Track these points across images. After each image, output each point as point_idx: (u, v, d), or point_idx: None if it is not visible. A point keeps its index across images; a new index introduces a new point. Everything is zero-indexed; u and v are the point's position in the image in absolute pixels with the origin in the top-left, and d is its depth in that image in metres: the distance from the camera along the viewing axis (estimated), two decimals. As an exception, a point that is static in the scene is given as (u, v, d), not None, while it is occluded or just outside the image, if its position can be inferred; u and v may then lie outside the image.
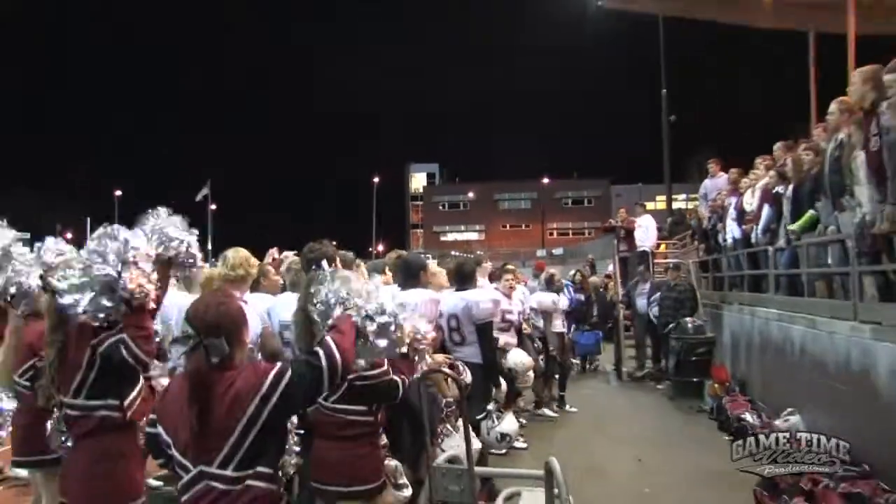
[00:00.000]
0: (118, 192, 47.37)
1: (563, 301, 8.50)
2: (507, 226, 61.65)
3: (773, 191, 7.28)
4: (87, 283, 2.50)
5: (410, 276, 4.35)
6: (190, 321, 2.00)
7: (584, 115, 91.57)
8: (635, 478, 5.59)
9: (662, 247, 13.91)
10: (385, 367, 2.79)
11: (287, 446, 2.33)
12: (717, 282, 10.26)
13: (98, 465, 2.54)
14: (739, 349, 8.42)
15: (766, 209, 7.46)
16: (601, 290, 12.51)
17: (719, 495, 5.03)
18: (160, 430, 2.06)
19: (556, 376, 8.27)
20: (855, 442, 5.01)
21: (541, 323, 7.96)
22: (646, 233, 12.63)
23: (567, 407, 8.34)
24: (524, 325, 7.06)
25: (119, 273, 2.52)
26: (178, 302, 3.57)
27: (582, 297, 10.63)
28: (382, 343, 2.53)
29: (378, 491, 2.89)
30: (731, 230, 8.70)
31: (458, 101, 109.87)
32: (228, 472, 1.90)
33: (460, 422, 3.74)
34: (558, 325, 8.28)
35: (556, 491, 3.08)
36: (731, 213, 8.71)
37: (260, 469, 1.93)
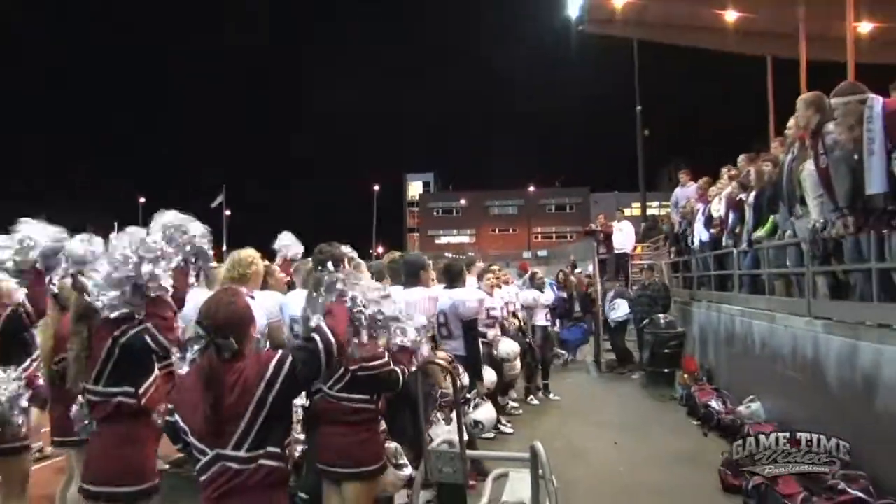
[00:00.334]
0: (142, 199, 47.12)
1: (546, 297, 8.53)
2: (496, 230, 61.58)
3: (737, 198, 7.36)
4: (112, 281, 2.52)
5: (412, 275, 4.36)
6: (201, 322, 2.03)
7: (566, 130, 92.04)
8: (612, 459, 5.61)
9: (638, 249, 13.97)
10: (386, 359, 2.81)
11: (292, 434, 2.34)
12: (686, 281, 10.30)
13: (114, 448, 2.55)
14: (707, 342, 8.45)
15: (731, 215, 7.53)
16: (583, 288, 12.55)
17: (688, 474, 5.05)
18: (178, 418, 2.08)
19: (539, 367, 8.29)
20: (807, 423, 5.08)
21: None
22: (626, 236, 12.67)
23: (551, 395, 8.36)
24: (513, 321, 7.10)
25: (138, 269, 2.55)
26: (197, 299, 3.58)
27: (564, 295, 10.69)
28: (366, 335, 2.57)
29: (379, 472, 2.90)
30: (700, 234, 8.73)
31: (452, 117, 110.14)
32: (242, 453, 1.92)
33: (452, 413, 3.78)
34: (540, 319, 8.31)
35: (540, 471, 3.10)
36: (700, 218, 8.77)
37: (270, 449, 1.95)
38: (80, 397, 2.68)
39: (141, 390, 2.59)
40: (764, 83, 11.14)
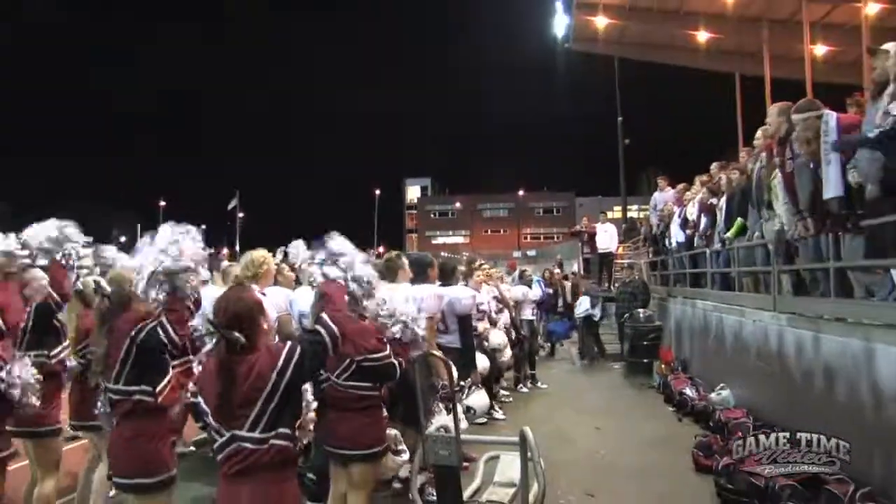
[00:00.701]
0: (162, 203, 46.98)
1: (533, 292, 8.56)
2: (489, 231, 61.55)
3: (709, 203, 7.42)
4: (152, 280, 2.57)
5: (420, 272, 4.38)
6: (211, 319, 2.07)
7: (553, 138, 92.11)
8: (594, 442, 5.63)
9: (619, 249, 14.03)
10: (388, 352, 2.85)
11: (303, 420, 2.37)
12: (663, 279, 10.35)
13: (133, 442, 2.58)
14: (682, 335, 8.50)
15: (703, 218, 7.59)
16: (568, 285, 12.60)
17: (664, 456, 5.08)
18: (200, 400, 2.12)
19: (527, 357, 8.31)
20: (770, 407, 5.15)
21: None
22: (610, 237, 12.71)
23: (538, 384, 8.40)
24: (499, 316, 7.11)
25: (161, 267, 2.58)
26: (212, 295, 3.61)
27: (550, 291, 10.73)
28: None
29: (383, 453, 2.94)
30: (676, 235, 8.79)
31: (448, 125, 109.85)
32: (256, 434, 1.96)
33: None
34: (528, 313, 8.31)
35: (529, 454, 3.13)
36: (676, 220, 8.82)
37: (280, 430, 1.99)
38: (102, 396, 2.70)
39: (158, 389, 2.61)
40: (733, 98, 11.27)
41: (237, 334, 2.01)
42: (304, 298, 3.68)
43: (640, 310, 9.38)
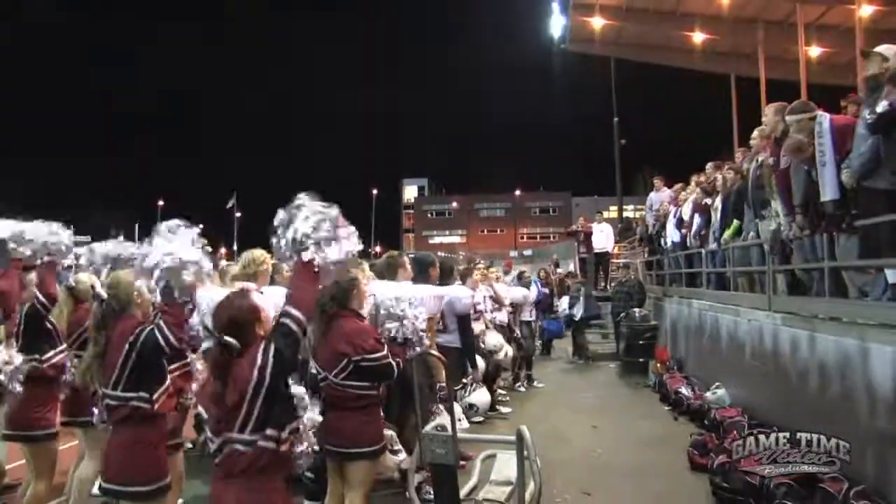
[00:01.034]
0: (161, 203, 46.86)
1: (533, 294, 8.56)
2: (485, 231, 61.57)
3: (703, 202, 7.44)
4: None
5: (421, 272, 4.39)
6: (208, 324, 2.08)
7: (550, 138, 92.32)
8: (591, 441, 5.63)
9: (616, 249, 14.07)
10: (385, 352, 2.85)
11: (303, 425, 2.35)
12: (659, 278, 10.36)
13: (129, 449, 2.57)
14: (678, 334, 8.51)
15: (696, 218, 7.61)
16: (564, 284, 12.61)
17: (659, 455, 5.09)
18: (201, 410, 2.12)
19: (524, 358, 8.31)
20: (765, 406, 5.16)
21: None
22: (606, 237, 12.73)
23: (535, 383, 8.40)
24: (495, 315, 7.10)
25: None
26: (209, 295, 3.61)
27: (546, 291, 10.72)
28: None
29: (380, 452, 2.94)
30: (672, 235, 8.81)
31: (446, 126, 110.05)
32: (246, 436, 1.98)
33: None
34: (526, 314, 8.31)
35: (525, 453, 3.13)
36: (672, 220, 8.84)
37: (268, 432, 2.00)
38: (99, 402, 2.69)
39: (155, 396, 2.60)
40: (728, 99, 11.33)
41: (233, 340, 2.02)
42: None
43: (636, 309, 9.41)
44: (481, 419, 6.07)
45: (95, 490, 3.74)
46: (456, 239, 60.43)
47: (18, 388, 2.94)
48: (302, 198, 2.24)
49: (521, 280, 8.54)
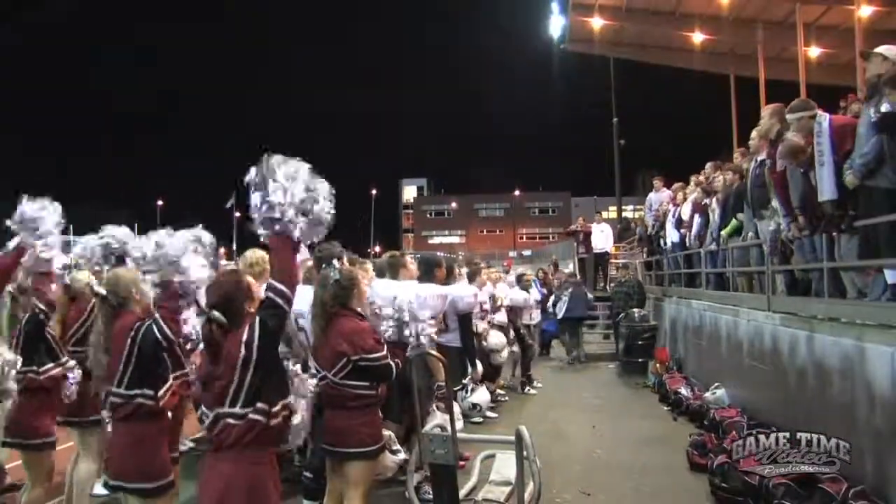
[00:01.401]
0: (160, 202, 46.85)
1: (534, 296, 8.50)
2: (484, 231, 61.56)
3: (703, 203, 7.44)
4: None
5: (426, 272, 4.41)
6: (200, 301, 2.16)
7: (549, 138, 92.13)
8: (590, 441, 5.63)
9: (614, 249, 14.08)
10: (384, 352, 2.85)
11: (301, 420, 2.36)
12: (658, 279, 10.37)
13: (133, 447, 2.58)
14: (677, 334, 8.52)
15: (696, 218, 7.62)
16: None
17: (659, 455, 5.09)
18: (199, 386, 2.19)
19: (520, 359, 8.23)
20: (764, 406, 5.17)
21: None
22: (605, 237, 12.73)
23: (535, 384, 8.38)
24: (495, 316, 7.10)
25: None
26: None
27: (545, 291, 10.71)
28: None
29: (379, 452, 2.94)
30: (671, 235, 8.81)
31: (445, 126, 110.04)
32: (237, 409, 2.05)
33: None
34: (527, 317, 8.21)
35: (525, 453, 3.14)
36: (671, 220, 8.84)
37: (259, 405, 2.07)
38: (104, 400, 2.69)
39: (160, 393, 2.62)
40: (728, 99, 11.34)
41: (220, 315, 2.08)
42: (300, 297, 3.66)
43: (636, 310, 9.42)
44: (480, 420, 6.07)
45: (96, 490, 3.75)
46: (455, 239, 60.41)
47: (12, 385, 2.92)
48: (274, 161, 2.15)
49: (521, 283, 8.47)
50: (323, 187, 2.18)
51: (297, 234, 2.10)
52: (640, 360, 8.75)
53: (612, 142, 18.70)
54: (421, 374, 3.72)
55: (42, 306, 3.28)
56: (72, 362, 3.39)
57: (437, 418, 3.82)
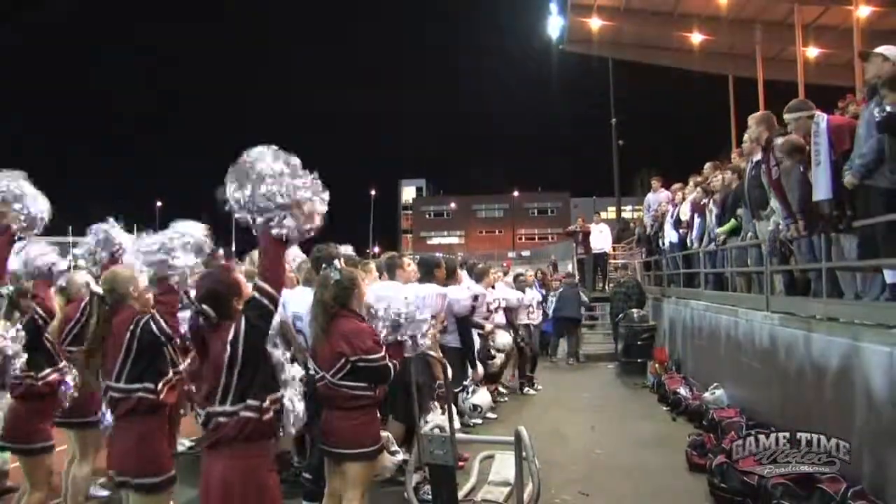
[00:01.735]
0: (159, 203, 46.79)
1: (528, 297, 8.45)
2: (483, 231, 61.55)
3: (702, 203, 7.45)
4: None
5: (426, 272, 4.42)
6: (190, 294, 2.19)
7: (548, 139, 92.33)
8: (590, 442, 5.63)
9: (613, 249, 14.08)
10: (383, 353, 2.85)
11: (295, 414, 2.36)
12: (657, 279, 10.38)
13: (138, 441, 2.58)
14: (676, 335, 8.52)
15: (696, 219, 7.62)
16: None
17: (658, 455, 5.10)
18: (192, 387, 2.19)
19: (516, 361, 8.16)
20: (763, 406, 5.17)
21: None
22: (604, 237, 12.74)
23: (535, 385, 8.34)
24: (495, 317, 7.08)
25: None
26: None
27: (543, 292, 10.70)
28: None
29: (377, 453, 2.93)
30: (669, 235, 8.81)
31: (443, 126, 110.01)
32: (227, 407, 2.08)
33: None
34: (524, 318, 8.12)
35: (524, 453, 3.14)
36: (670, 220, 8.85)
37: (250, 402, 2.10)
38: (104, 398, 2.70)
39: (159, 386, 2.63)
40: (726, 99, 11.37)
41: (209, 310, 2.10)
42: (297, 299, 3.66)
43: (635, 310, 9.42)
44: (480, 420, 6.08)
45: (93, 492, 3.74)
46: (454, 240, 60.39)
47: (17, 367, 2.89)
48: (257, 153, 2.10)
49: (518, 283, 8.44)
50: (309, 180, 2.13)
51: (287, 229, 2.06)
52: (639, 360, 8.76)
53: (610, 142, 18.74)
54: (421, 371, 3.72)
55: (41, 312, 3.27)
56: (68, 367, 3.38)
57: (437, 418, 3.82)
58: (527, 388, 8.00)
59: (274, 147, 2.12)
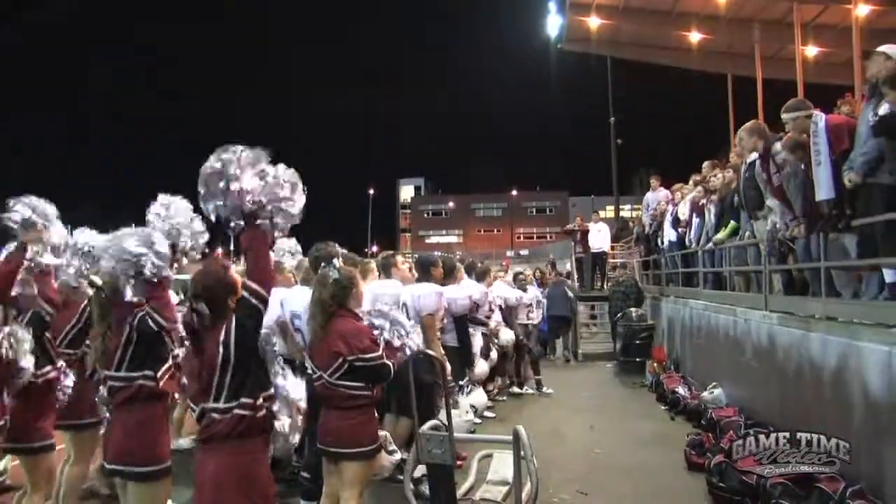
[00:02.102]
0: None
1: (528, 296, 8.44)
2: (482, 230, 61.57)
3: (700, 202, 7.45)
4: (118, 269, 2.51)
5: (423, 272, 4.42)
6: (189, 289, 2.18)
7: (546, 138, 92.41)
8: (588, 441, 5.64)
9: (611, 249, 14.08)
10: (380, 353, 2.85)
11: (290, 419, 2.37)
12: (656, 278, 10.39)
13: (134, 429, 2.57)
14: (674, 334, 8.54)
15: (696, 218, 7.62)
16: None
17: (656, 454, 5.11)
18: (185, 382, 2.20)
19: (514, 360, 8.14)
20: (762, 405, 5.18)
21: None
22: (603, 237, 12.73)
23: (531, 385, 8.31)
24: (494, 316, 7.07)
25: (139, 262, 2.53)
26: None
27: (542, 290, 10.68)
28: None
29: (375, 452, 2.93)
30: (668, 235, 8.81)
31: (442, 126, 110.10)
32: (221, 405, 2.10)
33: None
34: (523, 317, 8.08)
35: (522, 453, 3.14)
36: (668, 219, 8.85)
37: (243, 400, 2.12)
38: (100, 388, 2.70)
39: (159, 374, 2.63)
40: (725, 98, 11.37)
41: (203, 306, 2.11)
42: (296, 298, 3.66)
43: (633, 309, 9.42)
44: (479, 421, 6.07)
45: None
46: (452, 239, 60.40)
47: (28, 363, 2.89)
48: (233, 151, 2.12)
49: (517, 281, 8.42)
50: (288, 174, 2.17)
51: (272, 224, 2.11)
52: (637, 359, 8.77)
53: (609, 141, 18.75)
54: (425, 369, 3.72)
55: (47, 307, 3.26)
56: (65, 367, 3.37)
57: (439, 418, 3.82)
58: (525, 388, 7.98)
59: (240, 147, 2.14)
